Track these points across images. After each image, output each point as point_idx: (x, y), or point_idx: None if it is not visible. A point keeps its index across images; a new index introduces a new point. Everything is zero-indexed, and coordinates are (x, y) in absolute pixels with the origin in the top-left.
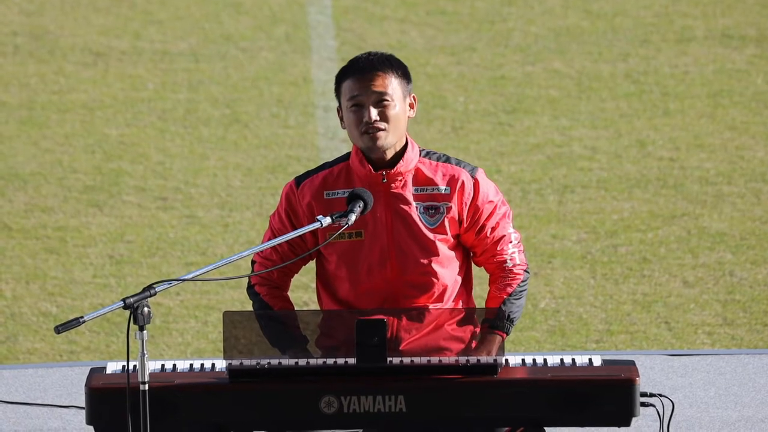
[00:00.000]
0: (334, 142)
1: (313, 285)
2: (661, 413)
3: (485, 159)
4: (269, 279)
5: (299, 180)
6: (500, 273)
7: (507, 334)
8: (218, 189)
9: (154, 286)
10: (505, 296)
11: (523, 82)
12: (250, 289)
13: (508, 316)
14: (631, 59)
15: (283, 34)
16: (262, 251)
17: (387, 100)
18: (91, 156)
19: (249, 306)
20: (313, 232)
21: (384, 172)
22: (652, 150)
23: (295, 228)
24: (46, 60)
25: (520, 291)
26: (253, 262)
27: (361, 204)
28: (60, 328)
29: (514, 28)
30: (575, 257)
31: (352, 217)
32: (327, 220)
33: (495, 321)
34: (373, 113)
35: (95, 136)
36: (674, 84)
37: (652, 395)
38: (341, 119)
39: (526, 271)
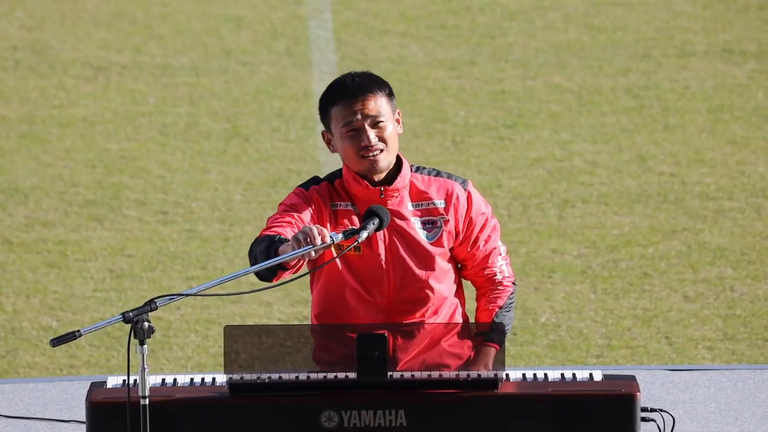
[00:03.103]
0: (335, 156)
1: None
2: (661, 428)
3: (485, 173)
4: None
5: (306, 186)
6: (490, 286)
7: (501, 347)
8: (219, 203)
9: (156, 300)
10: (496, 309)
11: (523, 97)
12: (253, 242)
13: (501, 328)
14: (631, 74)
15: (283, 48)
16: (274, 224)
17: (382, 122)
18: (91, 170)
19: (249, 320)
20: (316, 216)
21: (382, 188)
22: (653, 165)
23: (300, 217)
24: (47, 74)
25: (510, 303)
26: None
27: (376, 221)
28: (55, 341)
29: (515, 42)
30: (576, 272)
31: (364, 234)
32: (339, 237)
33: (489, 334)
34: (372, 136)
35: (96, 150)
36: (675, 99)
37: (652, 410)
38: (328, 143)
39: (513, 283)
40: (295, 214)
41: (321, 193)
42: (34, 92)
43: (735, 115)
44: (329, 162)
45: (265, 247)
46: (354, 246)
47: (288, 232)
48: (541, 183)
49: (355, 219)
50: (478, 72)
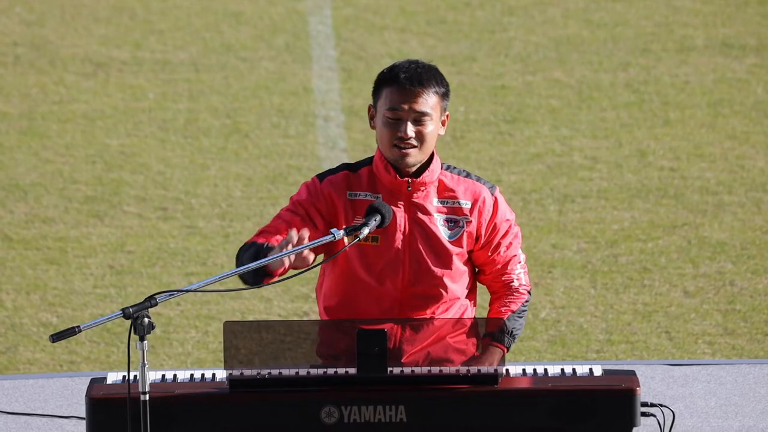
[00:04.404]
0: (335, 151)
1: (313, 296)
2: (661, 423)
3: (486, 168)
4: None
5: (321, 177)
6: (505, 291)
7: (508, 349)
8: (219, 199)
9: (156, 296)
10: (509, 312)
11: (523, 92)
12: (242, 247)
13: (511, 331)
14: (631, 69)
15: (283, 43)
16: (268, 227)
17: (425, 120)
18: (91, 166)
19: (249, 316)
20: (328, 224)
21: (410, 180)
22: (653, 160)
23: (306, 214)
24: (47, 70)
25: (523, 310)
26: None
27: (378, 218)
28: (55, 337)
29: (515, 37)
30: (576, 267)
31: (365, 231)
32: (340, 233)
33: (497, 335)
34: (410, 130)
35: (96, 146)
36: (674, 93)
37: (652, 405)
38: (371, 118)
39: (529, 292)
40: (297, 217)
41: (335, 184)
42: (34, 88)
43: (735, 110)
44: (329, 158)
45: (253, 252)
46: (371, 236)
47: (279, 239)
48: (541, 178)
49: None
50: (477, 67)
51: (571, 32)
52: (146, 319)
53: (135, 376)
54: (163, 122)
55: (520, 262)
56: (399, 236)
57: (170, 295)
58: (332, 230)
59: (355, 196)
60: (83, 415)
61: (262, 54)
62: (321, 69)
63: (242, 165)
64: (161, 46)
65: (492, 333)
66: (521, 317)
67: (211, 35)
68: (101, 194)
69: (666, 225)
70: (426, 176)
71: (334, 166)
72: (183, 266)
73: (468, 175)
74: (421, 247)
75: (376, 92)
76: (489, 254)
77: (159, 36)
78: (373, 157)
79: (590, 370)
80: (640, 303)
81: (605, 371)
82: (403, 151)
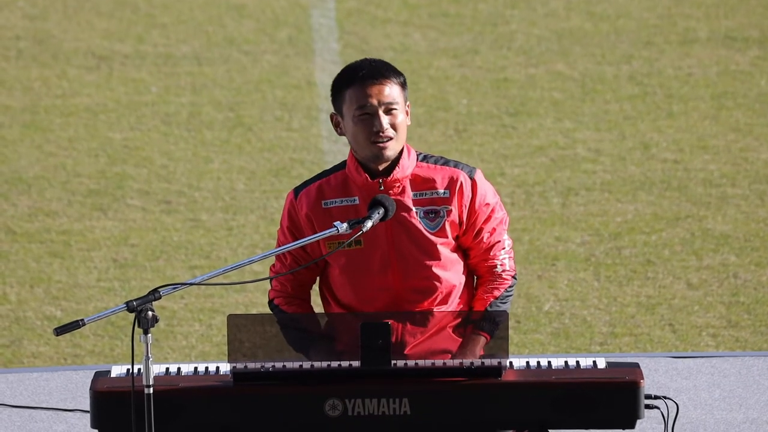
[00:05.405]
0: (338, 145)
1: (317, 288)
2: (665, 415)
3: (488, 161)
4: (284, 292)
5: (297, 191)
6: (489, 276)
7: (491, 336)
8: (222, 192)
9: (159, 290)
10: (491, 299)
11: (526, 85)
12: (270, 303)
13: (494, 318)
14: (634, 61)
15: (286, 37)
16: (273, 266)
17: (395, 109)
18: (94, 160)
19: (253, 309)
20: (316, 241)
21: (381, 180)
22: (656, 152)
23: (298, 226)
24: (50, 64)
25: (507, 296)
26: (271, 279)
27: (381, 211)
28: (59, 330)
29: (517, 30)
30: (579, 260)
31: (369, 224)
32: (344, 227)
33: (480, 322)
34: (385, 122)
35: (99, 140)
36: (678, 86)
37: (656, 397)
38: (336, 126)
39: (513, 277)
40: (286, 262)
41: (309, 196)
42: (37, 82)
43: (738, 102)
44: (332, 152)
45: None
46: (354, 240)
47: (295, 308)
48: (544, 171)
49: (351, 213)
50: (480, 60)
51: (573, 25)
52: (150, 313)
53: (139, 370)
54: (166, 116)
55: (504, 248)
56: (380, 236)
57: (174, 288)
58: (335, 223)
59: (330, 204)
60: (87, 408)
61: (264, 47)
62: (324, 62)
63: (245, 158)
64: (164, 39)
65: (475, 321)
66: (505, 303)
67: (214, 29)
68: (104, 187)
69: (669, 217)
70: (397, 173)
71: (313, 175)
72: (187, 259)
73: (446, 162)
74: (405, 243)
75: (337, 97)
76: (473, 239)
77: (162, 30)
78: (343, 162)
79: (594, 362)
80: (643, 295)
81: (609, 364)
82: (381, 145)
